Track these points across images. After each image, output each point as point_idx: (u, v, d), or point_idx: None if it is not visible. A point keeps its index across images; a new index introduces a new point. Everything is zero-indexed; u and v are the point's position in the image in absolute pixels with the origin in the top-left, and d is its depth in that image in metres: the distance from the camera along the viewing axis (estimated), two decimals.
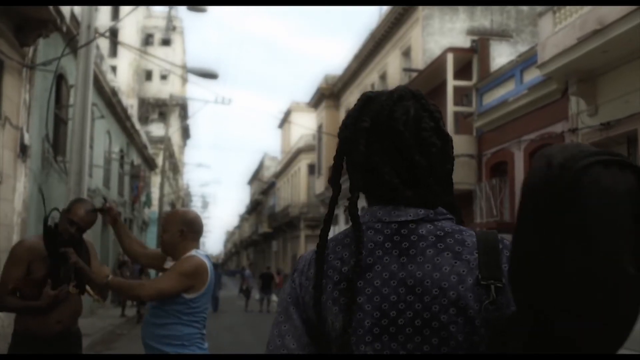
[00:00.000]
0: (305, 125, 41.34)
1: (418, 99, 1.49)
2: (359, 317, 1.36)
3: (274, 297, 29.00)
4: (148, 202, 34.61)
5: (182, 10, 75.40)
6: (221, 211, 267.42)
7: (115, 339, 16.04)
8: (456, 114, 19.84)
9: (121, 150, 27.36)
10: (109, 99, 22.86)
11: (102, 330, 16.60)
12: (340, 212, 32.76)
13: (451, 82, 19.34)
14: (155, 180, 41.45)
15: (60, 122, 16.71)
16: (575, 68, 13.24)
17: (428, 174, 1.44)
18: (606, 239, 1.10)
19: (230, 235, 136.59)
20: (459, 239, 1.41)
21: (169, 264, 4.03)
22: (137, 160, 32.17)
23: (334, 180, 1.53)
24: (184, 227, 4.01)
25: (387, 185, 1.43)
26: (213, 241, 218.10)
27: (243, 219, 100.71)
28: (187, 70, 21.23)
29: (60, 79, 16.26)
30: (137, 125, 30.19)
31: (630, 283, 1.10)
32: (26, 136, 13.14)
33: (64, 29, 13.64)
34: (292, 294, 1.48)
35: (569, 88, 13.94)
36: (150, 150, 40.37)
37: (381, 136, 1.45)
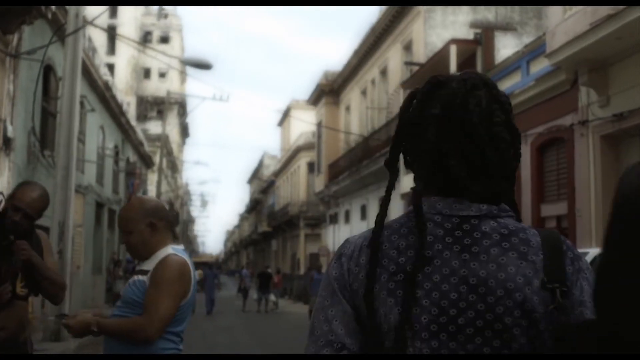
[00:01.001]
0: (305, 122, 40.81)
1: (490, 88, 1.42)
2: (416, 312, 1.29)
3: (272, 297, 28.47)
4: None
5: (180, 9, 75.02)
6: (221, 210, 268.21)
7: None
8: None
9: (116, 147, 26.76)
10: (102, 94, 22.25)
11: None
12: (342, 212, 32.24)
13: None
14: (153, 178, 40.88)
15: (48, 115, 16.11)
16: (586, 57, 12.63)
17: (498, 170, 1.38)
18: None
19: (230, 234, 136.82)
20: (524, 238, 1.35)
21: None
22: (132, 157, 31.57)
23: (391, 163, 1.44)
24: (150, 218, 3.25)
25: (455, 177, 1.36)
26: (213, 240, 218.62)
27: (243, 218, 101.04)
28: (181, 61, 20.61)
29: (48, 71, 15.66)
30: (133, 122, 29.60)
31: None
32: (9, 128, 12.52)
33: (49, 15, 13.01)
34: (339, 278, 1.39)
35: (579, 78, 13.32)
36: (148, 148, 39.93)
37: (452, 126, 1.37)
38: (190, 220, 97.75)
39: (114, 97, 23.61)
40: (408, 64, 23.79)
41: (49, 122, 16.05)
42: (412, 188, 1.41)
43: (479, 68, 18.79)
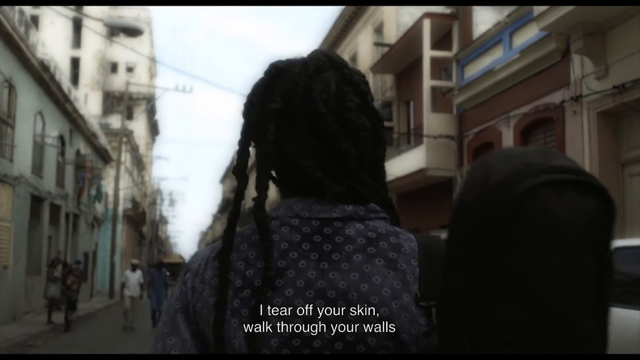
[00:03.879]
0: None
1: (339, 68, 1.22)
2: (266, 334, 1.10)
3: None
4: (99, 197, 31.65)
5: (153, 8, 73.07)
6: (195, 211, 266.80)
7: (23, 352, 13.30)
8: (434, 91, 17.32)
9: (61, 137, 24.45)
10: (39, 75, 19.98)
11: (9, 341, 13.82)
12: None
13: (428, 53, 16.88)
14: (112, 173, 38.50)
15: None
16: (580, 20, 10.72)
17: (359, 164, 1.18)
18: (555, 292, 0.88)
19: (204, 235, 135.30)
20: (394, 243, 1.16)
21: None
22: (85, 149, 29.27)
23: (238, 170, 1.23)
24: None
25: (309, 179, 1.17)
26: (186, 242, 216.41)
27: (216, 218, 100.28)
28: (105, 24, 18.42)
29: None
30: (83, 110, 27.27)
31: (588, 341, 0.90)
32: None
33: None
34: (181, 298, 1.19)
35: (572, 45, 11.39)
36: (112, 144, 37.65)
37: (296, 120, 1.18)
38: (162, 221, 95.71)
39: (53, 78, 21.31)
40: (378, 44, 21.91)
41: None
42: (253, 199, 1.20)
43: (455, 46, 16.86)
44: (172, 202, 76.85)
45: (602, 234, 0.91)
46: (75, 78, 59.19)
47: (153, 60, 70.99)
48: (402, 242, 1.16)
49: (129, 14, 68.50)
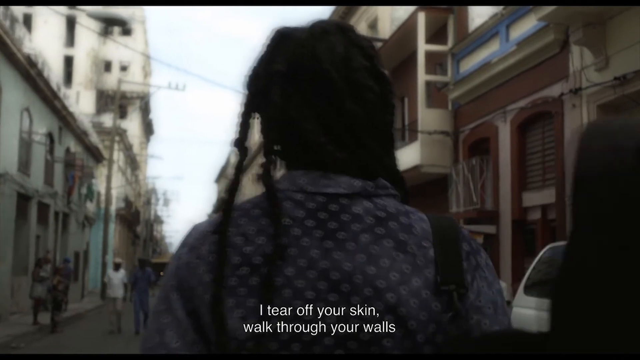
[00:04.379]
0: None
1: (346, 32, 1.16)
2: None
3: None
4: (90, 195, 31.22)
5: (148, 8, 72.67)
6: (190, 211, 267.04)
7: (5, 353, 12.93)
8: (428, 86, 16.93)
9: (49, 134, 24.01)
10: (25, 70, 19.56)
11: None
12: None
13: (423, 47, 16.51)
14: (110, 174, 38.04)
15: None
16: (580, 10, 10.34)
17: (365, 126, 1.11)
18: None
19: None
20: (405, 223, 1.08)
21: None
22: (75, 147, 28.82)
23: (238, 142, 1.18)
24: None
25: (312, 145, 1.10)
26: None
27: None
28: (88, 14, 17.95)
29: None
30: (73, 108, 26.84)
31: None
32: None
33: None
34: (177, 275, 1.10)
35: (571, 36, 11.01)
36: (105, 142, 37.15)
37: (301, 82, 1.11)
38: (157, 221, 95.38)
39: (41, 74, 20.87)
40: (372, 40, 21.41)
41: None
42: (260, 164, 1.15)
43: (451, 39, 16.49)
44: (166, 202, 76.44)
45: None
46: (68, 76, 58.94)
47: (147, 56, 70.52)
48: (413, 223, 1.10)
49: (124, 12, 68.18)
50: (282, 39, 1.16)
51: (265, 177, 1.11)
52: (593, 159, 0.88)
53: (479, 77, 14.48)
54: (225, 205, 1.11)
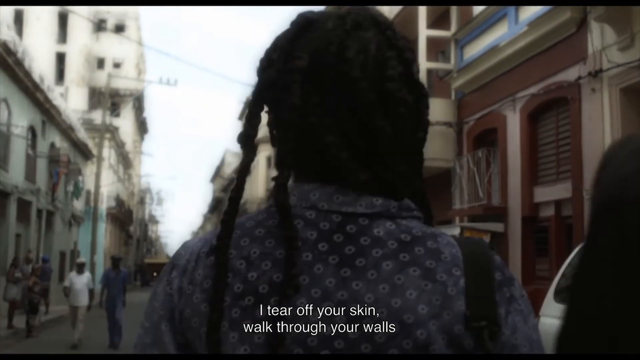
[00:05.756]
0: (266, 114, 37.88)
1: (382, 28, 1.01)
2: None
3: None
4: (77, 193, 30.15)
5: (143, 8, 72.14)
6: (186, 211, 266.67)
7: None
8: (430, 74, 15.95)
9: (31, 128, 22.90)
10: (2, 59, 18.46)
11: None
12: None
13: (424, 32, 15.50)
14: (99, 172, 37.01)
15: None
16: None
17: (394, 145, 0.98)
18: None
19: (195, 235, 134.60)
20: (433, 248, 0.96)
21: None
22: (61, 143, 27.72)
23: (246, 137, 1.01)
24: None
25: (331, 160, 0.97)
26: (177, 242, 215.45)
27: (206, 218, 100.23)
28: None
29: None
30: (57, 101, 25.74)
31: None
32: None
33: None
34: (166, 303, 0.99)
35: (591, 13, 9.95)
36: (95, 140, 36.05)
37: (324, 85, 0.97)
38: (151, 221, 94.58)
39: (20, 64, 19.77)
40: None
41: None
42: (273, 178, 1.00)
43: (454, 24, 15.44)
44: (159, 201, 75.46)
45: None
46: (60, 73, 58.28)
47: (140, 48, 69.77)
48: (442, 248, 0.97)
49: (117, 10, 67.47)
50: (306, 27, 1.01)
51: (279, 193, 0.97)
52: (627, 181, 0.81)
53: (484, 63, 13.44)
54: (227, 218, 0.98)
